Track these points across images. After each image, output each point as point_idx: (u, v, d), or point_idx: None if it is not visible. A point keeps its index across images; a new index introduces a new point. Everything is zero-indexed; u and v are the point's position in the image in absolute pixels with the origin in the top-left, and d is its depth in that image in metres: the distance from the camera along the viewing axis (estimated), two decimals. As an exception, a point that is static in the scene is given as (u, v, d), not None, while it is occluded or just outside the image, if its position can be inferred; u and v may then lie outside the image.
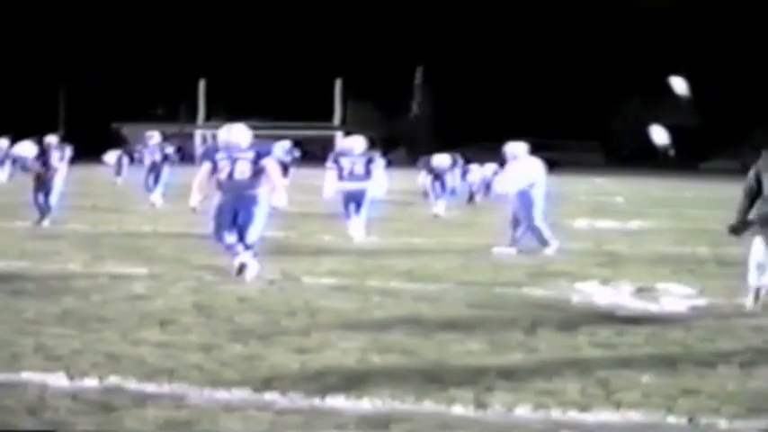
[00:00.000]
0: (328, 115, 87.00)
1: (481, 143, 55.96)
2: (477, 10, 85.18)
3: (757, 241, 9.49)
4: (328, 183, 16.20)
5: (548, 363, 7.02)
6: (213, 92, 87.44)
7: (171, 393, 6.00)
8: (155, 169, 23.84)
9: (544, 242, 14.16)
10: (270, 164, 11.01)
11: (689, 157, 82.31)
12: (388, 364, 6.89)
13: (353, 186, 15.91)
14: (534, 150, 15.09)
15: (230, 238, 10.83)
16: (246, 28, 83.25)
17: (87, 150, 41.32)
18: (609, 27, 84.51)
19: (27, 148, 17.44)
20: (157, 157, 24.07)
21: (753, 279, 9.53)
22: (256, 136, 11.49)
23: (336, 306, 9.17)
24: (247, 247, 10.83)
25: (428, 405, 5.87)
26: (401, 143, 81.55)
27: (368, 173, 16.02)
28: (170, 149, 24.77)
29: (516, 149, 14.73)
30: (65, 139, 20.26)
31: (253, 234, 10.86)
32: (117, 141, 68.97)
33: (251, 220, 10.82)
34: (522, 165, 14.52)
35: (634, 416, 5.76)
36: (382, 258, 13.11)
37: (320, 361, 6.90)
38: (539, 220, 14.30)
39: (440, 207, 21.33)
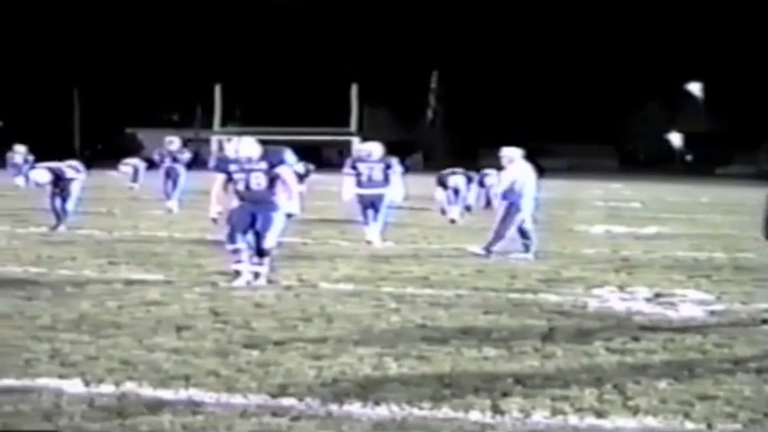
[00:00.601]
0: (344, 121, 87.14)
1: (498, 147, 55.77)
2: (492, 14, 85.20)
3: None
4: (347, 188, 16.16)
5: (564, 369, 7.00)
6: (229, 97, 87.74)
7: (187, 399, 6.00)
8: (173, 174, 23.80)
9: (527, 247, 14.35)
10: (284, 171, 11.01)
11: (705, 163, 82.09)
12: (404, 371, 6.87)
13: (372, 192, 15.89)
14: (547, 155, 15.12)
15: (241, 243, 10.83)
16: (262, 33, 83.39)
17: (102, 155, 41.45)
18: (627, 33, 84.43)
19: (41, 175, 17.38)
20: (176, 162, 23.96)
21: None
22: (272, 142, 11.46)
23: (352, 312, 9.16)
24: (264, 253, 10.84)
25: (444, 411, 5.86)
26: (417, 148, 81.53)
27: (386, 179, 15.99)
28: (188, 155, 24.74)
29: (512, 154, 14.80)
30: (80, 154, 20.09)
31: (270, 239, 10.86)
32: (132, 146, 69.26)
33: (269, 226, 10.83)
34: (514, 169, 14.59)
35: (651, 422, 5.75)
36: (398, 264, 13.10)
37: (336, 367, 6.89)
38: (528, 224, 14.50)
39: (455, 212, 21.27)
